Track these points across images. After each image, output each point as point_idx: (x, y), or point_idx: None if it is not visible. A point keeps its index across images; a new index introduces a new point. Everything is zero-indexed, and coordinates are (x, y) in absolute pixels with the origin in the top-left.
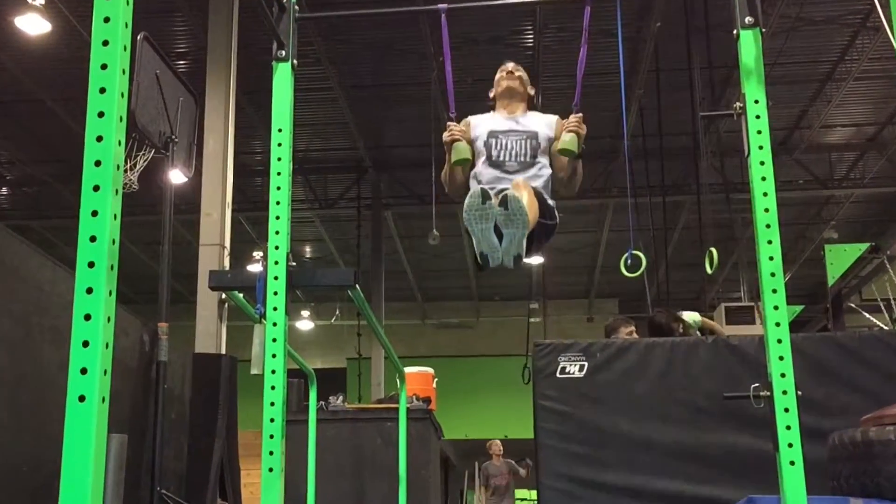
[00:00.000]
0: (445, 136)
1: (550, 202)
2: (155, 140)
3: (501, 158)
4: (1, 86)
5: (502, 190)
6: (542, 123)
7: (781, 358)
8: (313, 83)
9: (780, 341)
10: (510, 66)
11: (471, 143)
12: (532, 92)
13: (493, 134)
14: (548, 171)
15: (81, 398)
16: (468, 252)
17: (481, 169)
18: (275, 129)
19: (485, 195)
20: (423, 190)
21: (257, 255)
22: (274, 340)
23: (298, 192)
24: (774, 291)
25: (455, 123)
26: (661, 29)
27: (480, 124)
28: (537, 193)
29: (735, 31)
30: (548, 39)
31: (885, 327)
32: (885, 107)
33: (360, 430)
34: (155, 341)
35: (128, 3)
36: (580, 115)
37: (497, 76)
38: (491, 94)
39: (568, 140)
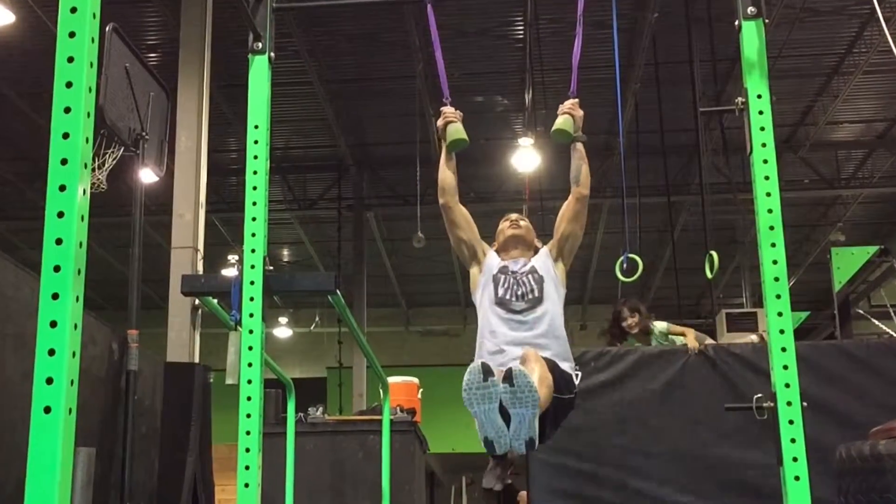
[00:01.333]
0: (439, 122)
1: (565, 366)
2: (124, 137)
3: (508, 297)
4: None
5: (506, 355)
6: (538, 256)
7: (786, 367)
8: (292, 77)
9: (784, 349)
10: (513, 216)
11: (481, 267)
12: (539, 245)
13: (503, 270)
14: (557, 306)
15: (47, 409)
16: (455, 258)
17: (487, 308)
18: (251, 125)
19: (486, 371)
20: (407, 190)
21: (232, 258)
22: (250, 349)
23: (276, 192)
24: (778, 297)
25: (450, 108)
26: (660, 20)
27: (494, 259)
28: (549, 363)
29: (737, 22)
30: (540, 31)
31: (895, 335)
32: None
33: (340, 443)
34: (124, 350)
35: None
36: (575, 99)
37: (500, 225)
38: (493, 248)
39: (562, 122)
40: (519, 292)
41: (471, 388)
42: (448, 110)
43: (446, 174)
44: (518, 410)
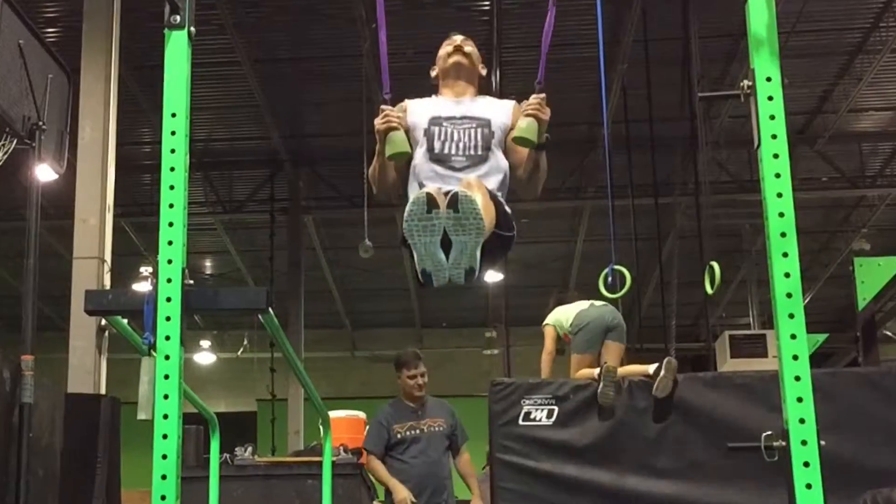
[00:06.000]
0: (378, 122)
1: (508, 208)
2: (17, 127)
3: (446, 151)
4: None
5: (450, 191)
6: (497, 109)
7: (800, 399)
8: (215, 56)
9: (798, 378)
10: (458, 38)
11: (408, 131)
12: (484, 71)
13: (435, 121)
14: (503, 168)
15: None
16: (409, 268)
17: (421, 163)
18: (167, 113)
19: (430, 202)
20: (352, 189)
21: (145, 270)
22: (166, 377)
23: (197, 193)
24: (791, 316)
25: (390, 107)
26: None
27: (420, 109)
28: (493, 197)
29: None
30: (508, 2)
31: None
32: None
33: (273, 488)
34: (17, 379)
35: None
36: (542, 95)
37: (441, 51)
38: (433, 73)
39: (525, 126)
40: (460, 144)
41: (412, 218)
42: (392, 112)
43: (388, 185)
44: (461, 238)
